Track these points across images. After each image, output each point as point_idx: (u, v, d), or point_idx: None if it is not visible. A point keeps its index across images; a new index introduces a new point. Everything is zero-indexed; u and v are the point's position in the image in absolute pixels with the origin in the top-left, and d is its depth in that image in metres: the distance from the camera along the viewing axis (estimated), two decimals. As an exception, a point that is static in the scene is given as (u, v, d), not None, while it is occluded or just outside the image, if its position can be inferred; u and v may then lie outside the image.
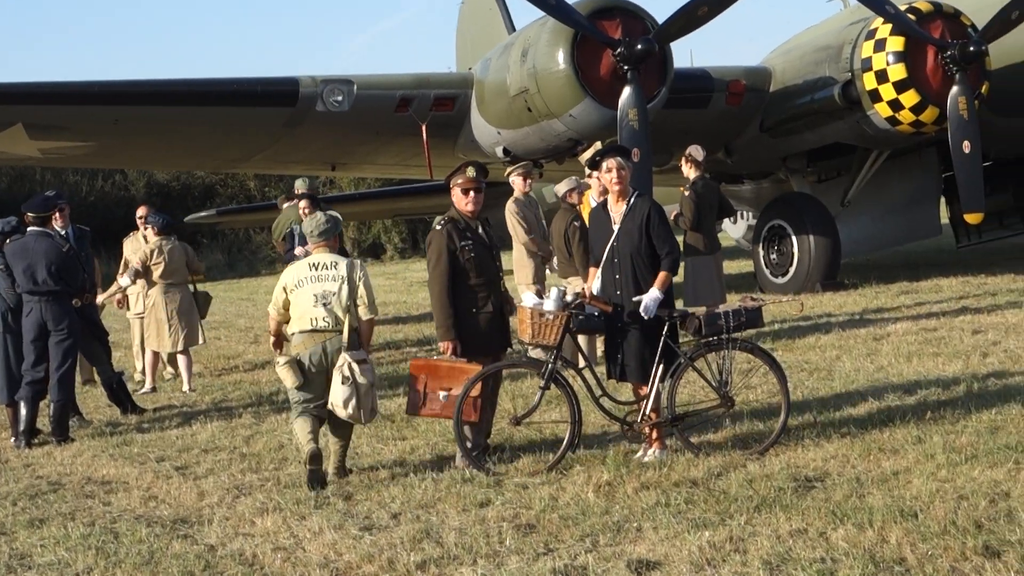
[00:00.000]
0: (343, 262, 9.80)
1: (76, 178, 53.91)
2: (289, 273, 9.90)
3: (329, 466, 9.71)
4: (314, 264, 9.78)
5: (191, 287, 16.25)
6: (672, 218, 15.43)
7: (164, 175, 57.00)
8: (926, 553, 6.63)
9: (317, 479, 9.40)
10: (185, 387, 15.70)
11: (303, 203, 15.79)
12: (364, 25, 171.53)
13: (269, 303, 10.17)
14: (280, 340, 9.97)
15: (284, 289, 9.78)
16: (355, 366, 9.41)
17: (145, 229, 16.42)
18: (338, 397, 9.41)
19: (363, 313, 9.70)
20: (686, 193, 15.50)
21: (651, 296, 9.32)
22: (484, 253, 9.85)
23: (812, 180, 22.74)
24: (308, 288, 9.66)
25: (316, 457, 9.45)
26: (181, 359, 15.99)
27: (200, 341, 16.51)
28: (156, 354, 16.12)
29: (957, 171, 19.65)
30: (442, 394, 9.45)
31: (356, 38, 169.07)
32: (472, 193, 9.89)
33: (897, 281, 21.02)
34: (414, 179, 29.91)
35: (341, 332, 9.60)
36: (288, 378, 9.58)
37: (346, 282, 9.64)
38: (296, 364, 9.57)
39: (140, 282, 15.95)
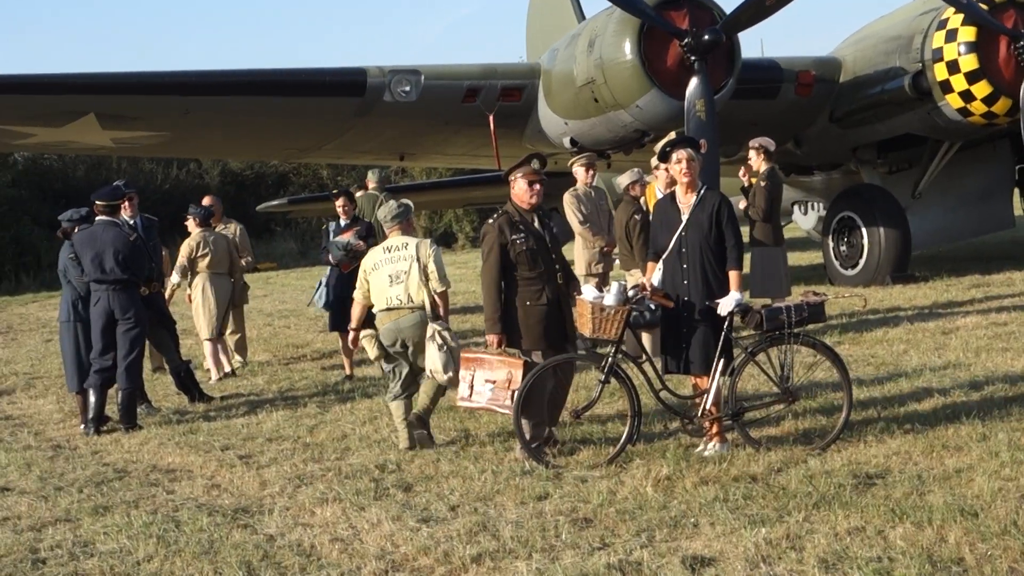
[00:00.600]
0: (413, 242, 10.59)
1: (152, 166, 54.36)
2: (368, 258, 10.82)
3: (402, 442, 10.52)
4: (388, 247, 10.66)
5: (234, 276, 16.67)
6: (741, 208, 15.39)
7: (238, 164, 57.37)
8: (985, 553, 6.57)
9: (425, 440, 10.46)
10: (213, 378, 15.97)
11: (340, 201, 15.78)
12: (441, 13, 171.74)
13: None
14: (359, 328, 10.76)
15: (364, 273, 10.70)
16: (445, 333, 10.15)
17: (185, 220, 16.58)
18: (437, 363, 10.13)
19: (435, 286, 10.46)
20: (762, 184, 15.43)
21: (732, 298, 9.28)
22: (540, 245, 9.85)
23: (883, 171, 22.46)
24: (384, 269, 10.53)
25: (420, 421, 10.45)
26: (211, 346, 16.27)
27: (230, 331, 16.84)
28: (214, 342, 16.26)
29: (1030, 163, 19.40)
30: (488, 387, 9.49)
31: (433, 26, 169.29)
32: (537, 185, 9.95)
33: (969, 274, 20.76)
34: (484, 169, 29.90)
35: (414, 309, 10.43)
36: (369, 348, 10.59)
37: (415, 260, 10.44)
38: (377, 339, 10.51)
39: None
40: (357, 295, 10.82)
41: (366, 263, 10.77)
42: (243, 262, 17.03)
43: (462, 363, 9.75)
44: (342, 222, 15.57)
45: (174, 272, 16.06)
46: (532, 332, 9.72)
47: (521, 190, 9.90)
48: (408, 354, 10.59)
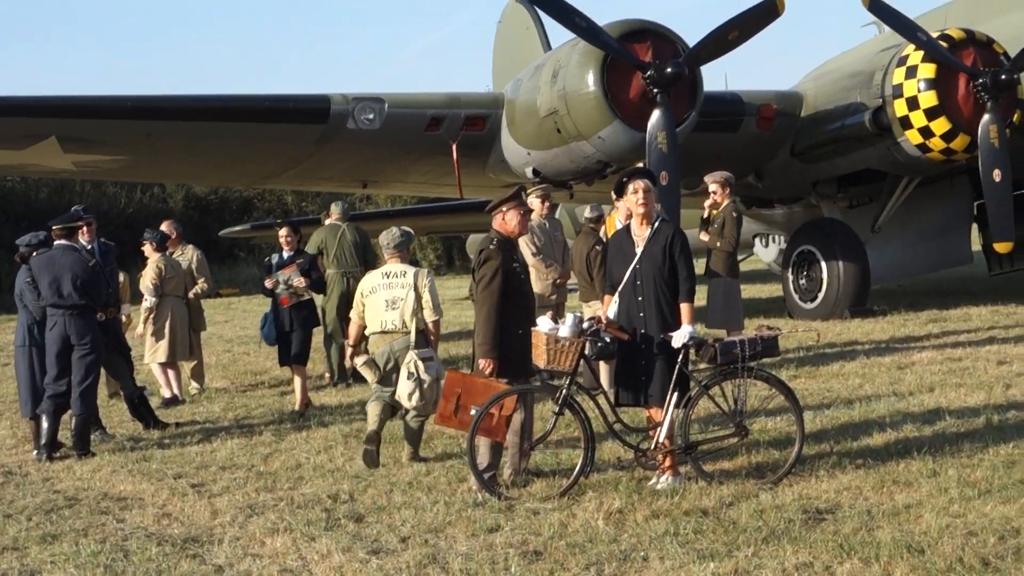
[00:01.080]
0: (411, 271, 11.22)
1: (115, 190, 54.26)
2: (365, 281, 11.39)
3: (404, 455, 11.09)
4: (386, 273, 11.26)
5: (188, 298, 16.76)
6: (702, 239, 15.44)
7: (202, 188, 57.28)
8: (930, 590, 6.59)
9: (370, 458, 10.77)
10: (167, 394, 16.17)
11: (283, 231, 15.61)
12: (408, 39, 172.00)
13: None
14: (356, 348, 11.36)
15: (360, 295, 11.26)
16: (420, 363, 10.61)
17: (142, 245, 16.58)
18: (403, 390, 10.65)
19: (428, 315, 11.08)
20: (733, 214, 15.48)
21: (685, 331, 9.29)
22: (526, 275, 10.18)
23: (843, 206, 22.63)
24: (380, 294, 11.11)
25: (372, 438, 10.85)
26: (164, 370, 16.35)
27: (190, 356, 16.91)
28: (169, 366, 16.26)
29: (987, 200, 19.55)
30: (474, 410, 9.45)
31: (401, 53, 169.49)
32: (526, 215, 10.21)
33: (926, 309, 20.90)
34: (448, 197, 29.95)
35: (407, 333, 11.01)
36: (368, 375, 11.18)
37: (412, 289, 11.06)
38: (372, 362, 11.06)
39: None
40: (353, 315, 11.40)
41: (363, 286, 11.30)
42: (201, 288, 17.05)
43: (447, 381, 9.62)
44: (285, 254, 15.35)
45: (148, 295, 16.04)
46: (517, 360, 9.73)
47: (514, 221, 9.95)
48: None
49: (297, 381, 14.88)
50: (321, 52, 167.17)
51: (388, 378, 11.03)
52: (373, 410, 11.12)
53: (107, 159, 21.37)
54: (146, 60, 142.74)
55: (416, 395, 10.58)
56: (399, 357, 10.94)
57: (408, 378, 10.62)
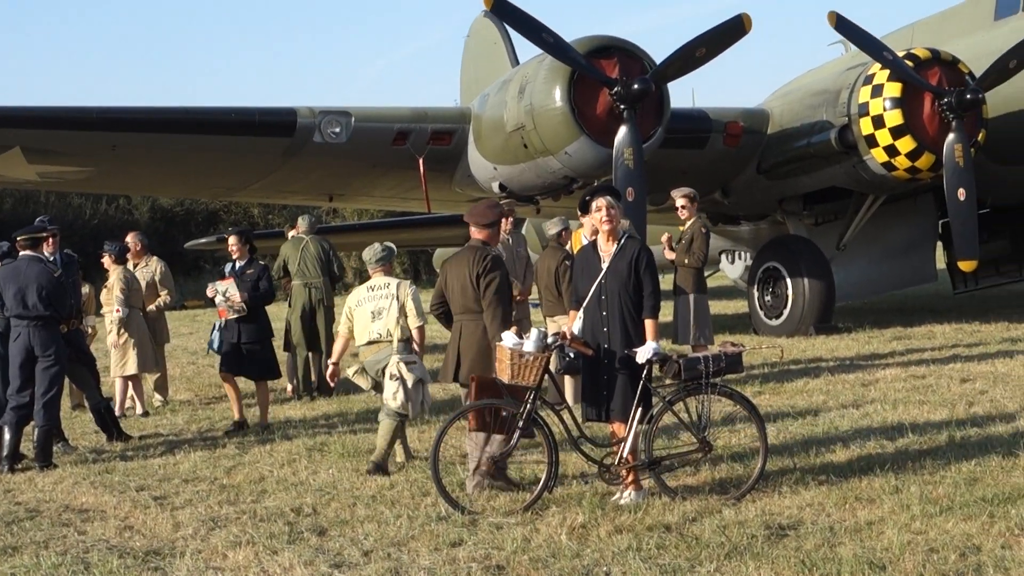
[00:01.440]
0: (394, 282, 11.78)
1: (80, 201, 54.04)
2: (353, 296, 11.87)
3: (399, 456, 11.68)
4: (371, 287, 11.77)
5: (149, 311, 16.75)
6: (666, 256, 15.49)
7: (168, 200, 57.08)
8: (891, 606, 6.60)
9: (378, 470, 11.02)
10: (139, 409, 16.19)
11: (231, 240, 15.26)
12: (378, 53, 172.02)
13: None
14: (338, 361, 11.88)
15: (348, 309, 11.77)
16: (403, 366, 11.14)
17: (101, 257, 16.53)
18: (387, 392, 11.19)
19: (412, 322, 11.55)
20: (702, 230, 15.55)
21: (649, 347, 9.31)
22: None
23: (809, 223, 22.73)
24: (366, 306, 11.66)
25: (379, 468, 11.02)
26: (126, 384, 16.30)
27: (155, 367, 16.88)
28: (132, 379, 16.24)
29: (952, 218, 19.70)
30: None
31: (370, 67, 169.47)
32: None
33: (891, 326, 21.01)
34: (415, 211, 29.94)
35: (392, 342, 11.47)
36: (361, 382, 11.79)
37: (395, 299, 11.56)
38: (363, 371, 11.66)
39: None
40: (342, 329, 11.89)
41: (351, 300, 11.81)
42: (164, 300, 17.03)
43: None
44: (237, 264, 15.05)
45: (120, 306, 15.97)
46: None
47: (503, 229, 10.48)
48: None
49: (261, 398, 14.77)
50: (288, 67, 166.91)
51: (380, 385, 11.52)
52: (382, 432, 11.28)
53: (72, 170, 21.27)
54: (112, 73, 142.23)
55: (400, 395, 11.07)
56: (386, 364, 11.37)
57: (391, 379, 11.14)
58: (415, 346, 11.54)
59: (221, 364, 14.65)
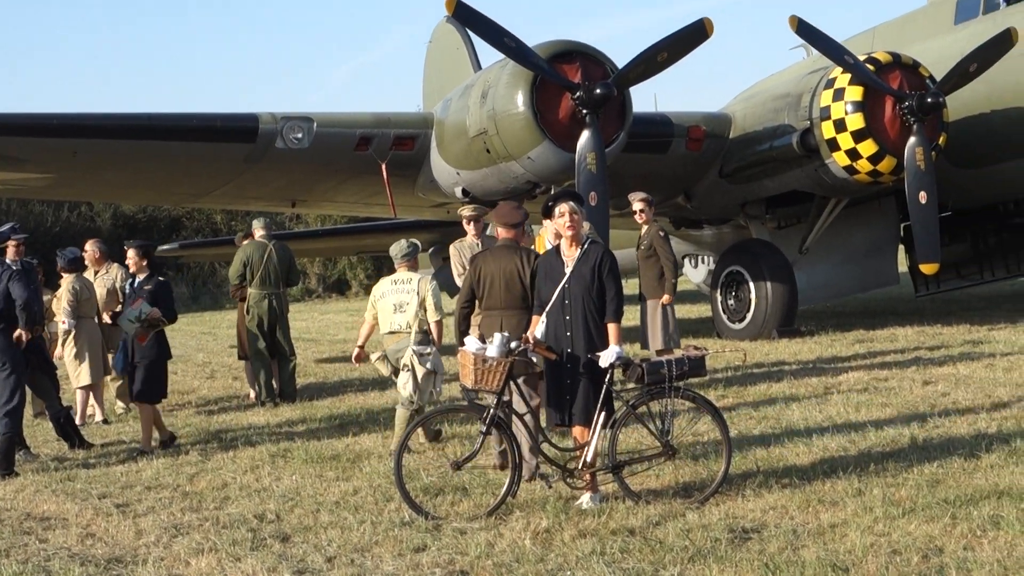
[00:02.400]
0: (416, 277, 12.63)
1: (42, 208, 53.76)
2: (377, 287, 12.81)
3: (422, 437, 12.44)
4: (395, 280, 12.70)
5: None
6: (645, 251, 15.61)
7: (130, 207, 56.83)
8: (854, 608, 6.61)
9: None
10: (98, 416, 16.19)
11: (130, 254, 14.48)
12: (341, 60, 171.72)
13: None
14: (363, 345, 12.83)
15: (373, 299, 12.73)
16: (415, 358, 11.93)
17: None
18: (400, 381, 12.06)
19: (431, 316, 12.38)
20: (660, 235, 15.64)
21: (612, 351, 9.30)
22: None
23: (771, 227, 22.80)
24: (390, 298, 12.56)
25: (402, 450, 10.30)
26: (86, 394, 16.28)
27: (111, 376, 16.80)
28: (91, 389, 16.21)
29: (913, 222, 19.81)
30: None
31: (334, 73, 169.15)
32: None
33: (854, 329, 21.10)
34: (378, 217, 29.87)
35: (412, 333, 12.31)
36: (382, 368, 12.58)
37: (416, 294, 12.41)
38: (384, 358, 12.46)
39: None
40: (367, 316, 12.84)
41: (375, 291, 12.76)
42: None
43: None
44: (138, 278, 14.33)
45: (66, 318, 15.87)
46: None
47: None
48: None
49: (142, 419, 13.92)
50: (250, 74, 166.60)
51: (398, 371, 12.24)
52: (399, 421, 12.33)
53: (32, 177, 21.15)
54: (71, 78, 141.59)
55: (410, 384, 11.91)
56: (406, 353, 12.11)
57: (404, 369, 11.99)
58: (433, 337, 12.34)
59: (131, 388, 14.29)
